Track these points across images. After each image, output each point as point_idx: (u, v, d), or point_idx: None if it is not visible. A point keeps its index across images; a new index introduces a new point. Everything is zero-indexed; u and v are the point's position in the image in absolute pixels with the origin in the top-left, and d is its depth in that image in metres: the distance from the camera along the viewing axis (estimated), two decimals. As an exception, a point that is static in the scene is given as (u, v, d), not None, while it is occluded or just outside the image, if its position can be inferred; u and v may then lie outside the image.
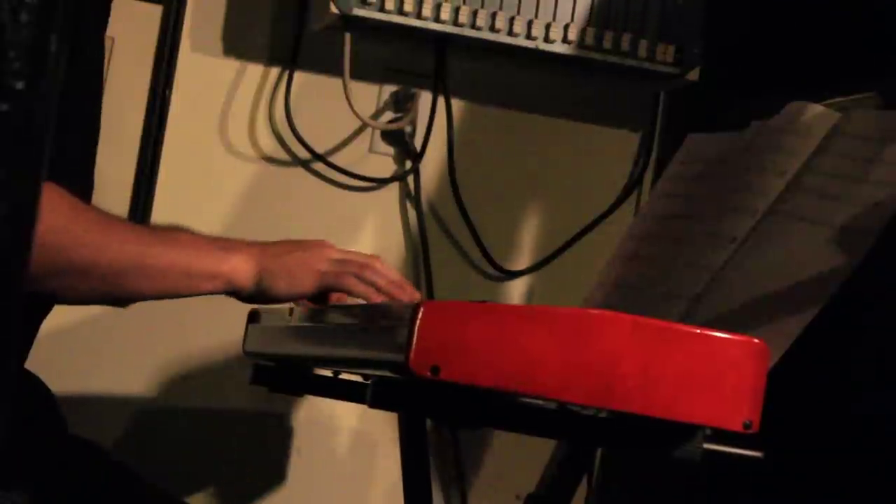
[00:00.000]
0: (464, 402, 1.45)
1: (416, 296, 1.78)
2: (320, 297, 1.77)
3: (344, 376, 1.87)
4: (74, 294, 1.63)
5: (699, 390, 1.42)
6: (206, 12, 2.50)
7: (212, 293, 1.70)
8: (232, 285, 1.69)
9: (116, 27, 2.38)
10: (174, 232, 1.71)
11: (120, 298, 1.68)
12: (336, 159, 2.56)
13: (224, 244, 1.71)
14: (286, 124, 2.53)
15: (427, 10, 2.41)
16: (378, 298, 1.73)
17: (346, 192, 2.58)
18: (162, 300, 1.94)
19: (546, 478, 1.75)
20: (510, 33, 2.45)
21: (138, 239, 1.66)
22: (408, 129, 2.58)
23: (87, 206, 1.67)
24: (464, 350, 1.38)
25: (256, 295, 1.71)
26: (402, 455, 1.95)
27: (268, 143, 2.54)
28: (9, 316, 0.79)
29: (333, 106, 2.50)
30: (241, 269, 1.68)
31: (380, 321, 1.52)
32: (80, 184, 1.75)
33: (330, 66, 2.51)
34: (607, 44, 2.49)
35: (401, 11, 2.40)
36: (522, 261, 2.65)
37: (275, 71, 2.53)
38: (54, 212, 1.58)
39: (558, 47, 2.48)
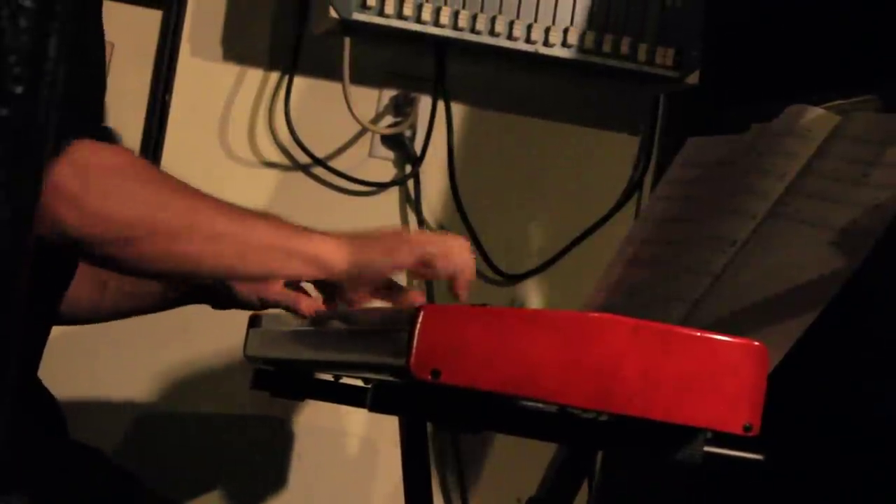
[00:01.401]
0: (464, 405, 1.45)
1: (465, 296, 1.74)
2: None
3: (345, 380, 1.87)
4: (166, 258, 1.55)
5: (700, 393, 1.42)
6: (205, 17, 2.50)
7: (302, 276, 1.64)
8: (323, 266, 1.61)
9: (116, 32, 2.39)
10: (261, 212, 1.65)
11: (208, 270, 1.61)
12: (336, 164, 2.56)
13: (309, 228, 1.65)
14: (286, 129, 2.53)
15: (427, 15, 2.41)
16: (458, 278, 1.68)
17: (346, 197, 2.58)
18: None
19: (546, 481, 1.75)
20: (510, 37, 2.45)
21: (230, 209, 1.60)
22: (408, 133, 2.58)
23: (168, 173, 1.63)
24: (464, 353, 1.38)
25: (354, 274, 1.64)
26: (403, 459, 1.94)
27: (268, 148, 2.54)
28: (10, 317, 0.79)
29: (333, 110, 2.50)
30: (332, 249, 1.61)
31: (380, 325, 1.52)
32: None
33: (330, 71, 2.51)
34: (607, 47, 2.49)
35: (400, 16, 2.40)
36: (522, 264, 2.65)
37: (275, 75, 2.53)
38: (143, 174, 1.55)
39: (558, 51, 2.48)
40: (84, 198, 1.47)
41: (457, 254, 1.66)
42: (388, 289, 1.69)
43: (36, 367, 1.77)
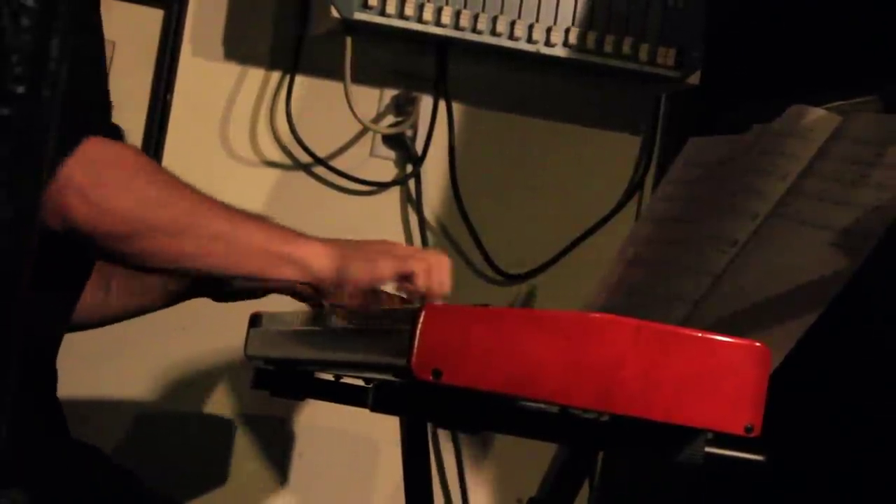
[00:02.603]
0: (465, 405, 1.45)
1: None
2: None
3: (345, 380, 1.87)
4: (165, 255, 1.60)
5: (701, 394, 1.42)
6: (207, 16, 2.50)
7: (289, 279, 1.68)
8: (311, 271, 1.66)
9: (118, 31, 2.39)
10: (252, 214, 1.69)
11: (202, 269, 1.66)
12: (337, 163, 2.56)
13: (299, 233, 1.71)
14: (287, 128, 2.53)
15: (428, 14, 2.41)
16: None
17: (348, 196, 2.58)
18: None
19: (547, 481, 1.75)
20: (511, 37, 2.46)
21: (225, 210, 1.65)
22: (409, 132, 2.58)
23: (169, 171, 1.66)
24: (465, 354, 1.38)
25: (336, 281, 1.69)
26: (404, 459, 1.94)
27: (269, 148, 2.54)
28: (12, 317, 0.79)
29: (335, 110, 2.51)
30: (320, 255, 1.67)
31: (382, 325, 1.52)
32: None
33: (331, 71, 2.51)
34: (608, 47, 2.49)
35: (402, 15, 2.41)
36: (524, 264, 2.65)
37: (276, 75, 2.54)
38: (146, 172, 1.59)
39: (559, 51, 2.48)
40: (93, 192, 1.51)
41: (436, 271, 1.70)
42: (372, 296, 1.74)
43: (51, 366, 1.78)
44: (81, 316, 1.93)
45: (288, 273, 1.66)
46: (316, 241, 1.68)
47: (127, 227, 1.55)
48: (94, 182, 1.51)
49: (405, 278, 1.70)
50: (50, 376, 1.80)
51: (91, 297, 1.93)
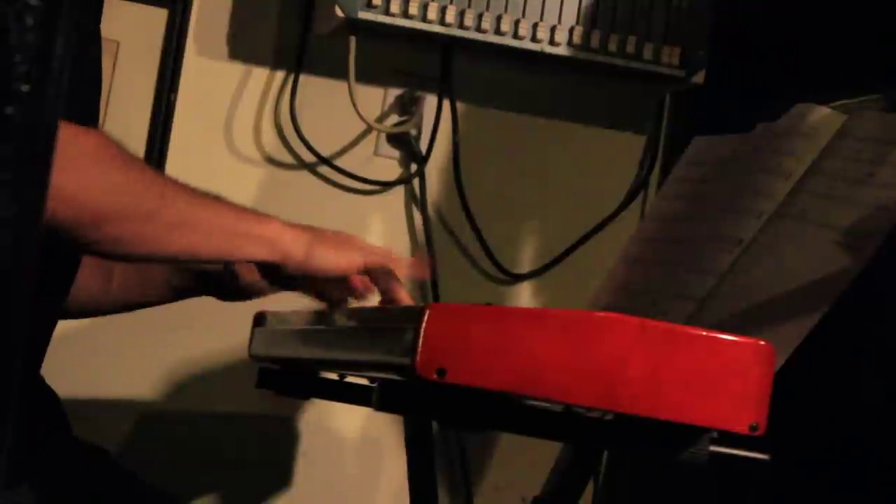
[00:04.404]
0: (470, 404, 1.45)
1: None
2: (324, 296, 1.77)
3: (350, 379, 1.87)
4: (134, 241, 1.60)
5: (706, 393, 1.42)
6: (211, 16, 2.50)
7: (259, 259, 1.67)
8: (280, 250, 1.66)
9: (121, 30, 2.39)
10: (219, 197, 1.69)
11: (169, 254, 1.66)
12: (341, 162, 2.56)
13: (270, 215, 1.71)
14: (291, 127, 2.53)
15: (432, 14, 2.41)
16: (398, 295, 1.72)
17: (352, 196, 2.58)
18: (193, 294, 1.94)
19: (552, 480, 1.74)
20: (515, 36, 2.45)
21: (192, 194, 1.65)
22: (413, 132, 2.58)
23: (135, 156, 1.66)
24: (470, 353, 1.38)
25: (304, 264, 1.68)
26: (408, 458, 1.94)
27: (273, 147, 2.54)
28: (17, 315, 0.79)
29: (338, 109, 2.51)
30: (289, 235, 1.67)
31: (386, 324, 1.52)
32: None
33: (335, 70, 2.51)
34: (612, 46, 2.49)
35: (406, 15, 2.41)
36: (528, 264, 2.65)
37: (280, 74, 2.54)
38: (110, 157, 1.57)
39: (563, 50, 2.48)
40: (54, 179, 1.49)
41: (397, 273, 1.70)
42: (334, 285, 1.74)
43: (39, 365, 1.77)
44: (84, 304, 1.93)
45: (257, 252, 1.66)
46: (284, 223, 1.69)
47: (90, 214, 1.54)
48: (57, 170, 1.50)
49: (368, 272, 1.71)
50: (38, 379, 1.79)
51: (93, 286, 1.93)
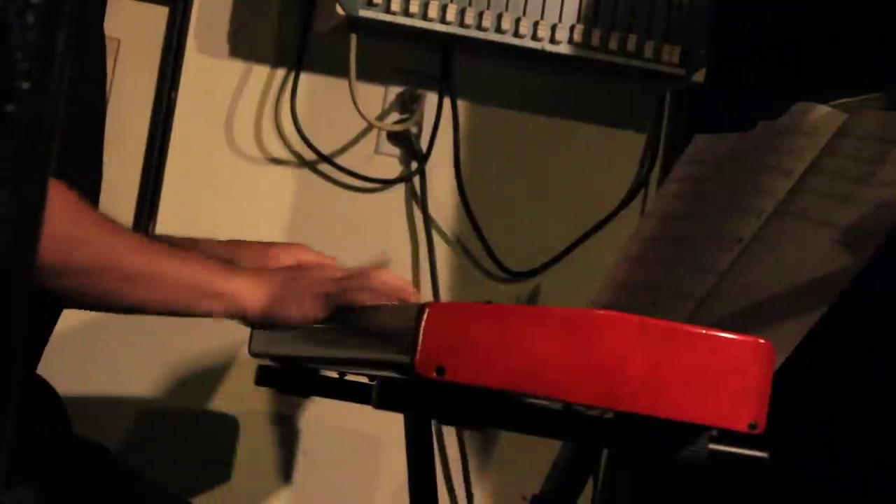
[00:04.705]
0: (469, 402, 1.45)
1: (420, 297, 1.78)
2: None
3: (350, 377, 1.87)
4: (80, 296, 1.61)
5: (705, 391, 1.42)
6: (211, 14, 2.50)
7: (214, 314, 1.67)
8: (236, 307, 1.65)
9: (122, 28, 2.39)
10: (182, 248, 1.69)
11: (124, 307, 1.66)
12: (342, 160, 2.56)
13: (231, 266, 1.70)
14: (292, 125, 2.53)
15: (433, 12, 2.41)
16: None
17: (352, 194, 2.58)
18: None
19: (552, 478, 1.75)
20: (516, 34, 2.45)
21: (147, 247, 1.66)
22: (414, 130, 2.58)
23: (94, 208, 1.66)
24: (470, 351, 1.38)
25: (264, 320, 1.69)
26: (408, 456, 1.94)
27: (273, 145, 2.54)
28: (18, 313, 0.79)
29: (339, 107, 2.50)
30: (248, 291, 1.66)
31: (385, 322, 1.52)
32: (89, 179, 1.75)
33: (336, 68, 2.51)
34: (613, 45, 2.49)
35: (407, 13, 2.40)
36: (528, 262, 2.65)
37: (281, 72, 2.54)
38: (67, 210, 1.57)
39: (564, 48, 2.48)
40: None
41: (380, 283, 1.68)
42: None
43: (37, 362, 1.77)
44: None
45: (214, 308, 1.65)
46: (246, 276, 1.67)
47: (39, 267, 1.53)
48: None
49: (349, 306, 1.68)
50: (38, 377, 1.79)
51: None
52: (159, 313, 1.72)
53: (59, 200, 1.57)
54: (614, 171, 2.68)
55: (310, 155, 2.55)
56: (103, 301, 1.64)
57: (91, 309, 1.74)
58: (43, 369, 1.78)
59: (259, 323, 1.70)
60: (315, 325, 1.75)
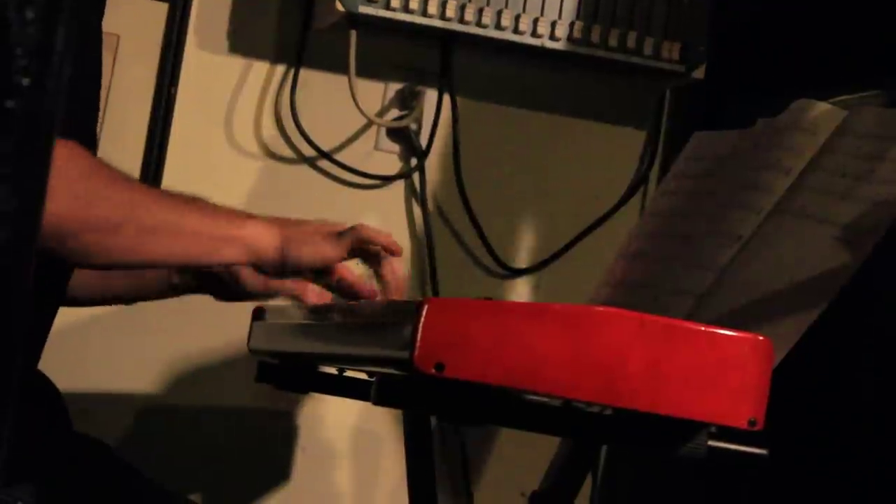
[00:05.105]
0: (469, 399, 1.45)
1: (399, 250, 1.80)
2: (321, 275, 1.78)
3: (349, 374, 1.87)
4: (102, 252, 1.59)
5: (704, 388, 1.42)
6: (211, 9, 2.50)
7: (233, 261, 1.68)
8: (254, 251, 1.67)
9: (122, 24, 2.39)
10: (193, 198, 1.69)
11: (146, 260, 1.66)
12: (341, 157, 2.56)
13: (242, 213, 1.71)
14: (291, 122, 2.53)
15: (432, 8, 2.41)
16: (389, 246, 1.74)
17: (351, 190, 2.58)
18: (172, 295, 1.94)
19: (551, 475, 1.75)
20: (515, 31, 2.45)
21: (165, 199, 1.66)
22: (413, 126, 2.58)
23: (108, 165, 1.65)
24: (469, 347, 1.38)
25: (280, 263, 1.70)
26: (407, 453, 1.95)
27: (273, 141, 2.54)
28: (18, 310, 0.79)
29: (339, 103, 2.50)
30: (263, 235, 1.68)
31: (384, 318, 1.52)
32: None
33: (335, 64, 2.51)
34: (613, 41, 2.49)
35: (406, 9, 2.40)
36: (528, 258, 2.65)
37: (280, 68, 2.54)
38: (82, 167, 1.57)
39: (563, 45, 2.48)
40: None
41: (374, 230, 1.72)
42: (326, 273, 1.75)
43: (37, 359, 1.77)
44: (84, 292, 1.92)
45: (231, 255, 1.67)
46: (258, 221, 1.69)
47: (61, 227, 1.53)
48: None
49: (363, 256, 1.71)
50: (38, 374, 1.79)
51: (93, 280, 1.93)
52: (178, 265, 1.73)
53: (75, 158, 1.57)
54: (614, 168, 2.68)
55: (309, 151, 2.55)
56: (125, 256, 1.62)
57: (111, 266, 1.73)
58: (43, 366, 1.79)
59: (274, 267, 1.70)
60: (315, 321, 1.75)
